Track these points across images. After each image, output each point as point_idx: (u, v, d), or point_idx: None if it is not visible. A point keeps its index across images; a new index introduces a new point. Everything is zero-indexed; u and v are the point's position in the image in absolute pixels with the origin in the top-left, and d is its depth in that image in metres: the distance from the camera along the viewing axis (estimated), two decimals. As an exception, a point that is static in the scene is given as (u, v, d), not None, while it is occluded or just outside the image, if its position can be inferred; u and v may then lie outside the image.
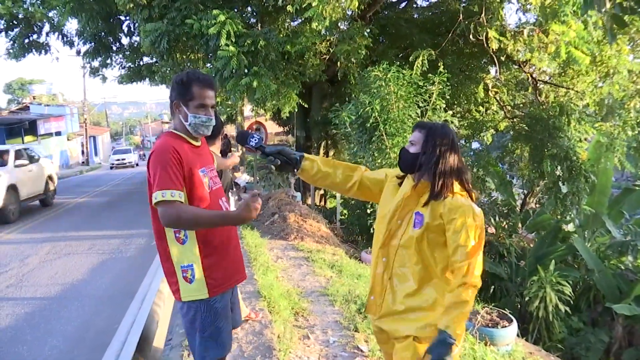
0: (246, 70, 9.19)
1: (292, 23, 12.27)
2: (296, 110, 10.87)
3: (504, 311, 5.45)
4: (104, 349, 3.58)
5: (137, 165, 35.81)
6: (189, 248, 2.12)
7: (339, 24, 9.68)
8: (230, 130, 23.43)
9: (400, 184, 2.20)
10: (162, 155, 2.05)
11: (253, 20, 12.10)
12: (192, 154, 2.17)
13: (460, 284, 1.93)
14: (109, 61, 16.03)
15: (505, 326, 5.08)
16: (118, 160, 34.81)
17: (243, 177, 14.77)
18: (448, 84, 7.01)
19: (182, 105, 2.15)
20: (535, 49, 7.38)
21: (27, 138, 29.02)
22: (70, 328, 4.81)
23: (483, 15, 7.87)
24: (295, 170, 2.32)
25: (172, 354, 3.63)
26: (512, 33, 8.66)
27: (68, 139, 36.89)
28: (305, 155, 2.34)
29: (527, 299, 7.07)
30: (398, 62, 7.31)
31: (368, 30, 9.83)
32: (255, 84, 8.89)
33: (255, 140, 2.34)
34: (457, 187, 2.05)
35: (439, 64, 7.09)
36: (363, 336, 3.86)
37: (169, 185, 1.99)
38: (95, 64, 16.04)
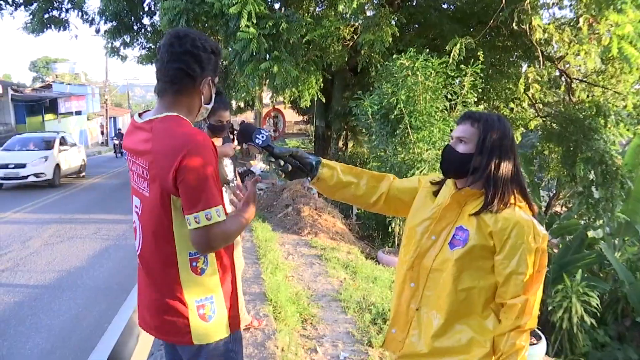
0: (267, 55, 8.79)
1: (316, 8, 11.83)
2: (317, 99, 10.44)
3: (531, 327, 4.99)
4: (89, 351, 3.23)
5: (83, 175, 16.13)
6: (209, 277, 1.59)
7: (366, 9, 9.17)
8: (249, 117, 23.01)
9: (435, 193, 1.75)
10: (206, 157, 1.47)
11: (277, 4, 11.70)
12: None
13: (513, 327, 1.49)
14: (129, 41, 15.73)
15: (534, 344, 4.63)
16: (4, 167, 12.78)
17: (259, 166, 14.40)
18: (481, 75, 6.49)
19: (212, 83, 1.63)
20: (585, 41, 6.61)
21: (48, 116, 29.09)
22: (58, 323, 4.50)
23: (528, 1, 7.18)
24: (309, 178, 1.85)
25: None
26: (558, 24, 7.97)
27: (88, 119, 36.96)
28: (323, 161, 1.86)
29: (549, 308, 6.61)
30: (426, 51, 6.81)
31: (395, 19, 9.32)
32: (275, 69, 8.49)
33: (263, 137, 1.84)
34: (516, 196, 1.60)
35: (479, 54, 6.51)
36: (377, 353, 3.44)
37: (216, 200, 1.47)
38: (117, 43, 15.74)
